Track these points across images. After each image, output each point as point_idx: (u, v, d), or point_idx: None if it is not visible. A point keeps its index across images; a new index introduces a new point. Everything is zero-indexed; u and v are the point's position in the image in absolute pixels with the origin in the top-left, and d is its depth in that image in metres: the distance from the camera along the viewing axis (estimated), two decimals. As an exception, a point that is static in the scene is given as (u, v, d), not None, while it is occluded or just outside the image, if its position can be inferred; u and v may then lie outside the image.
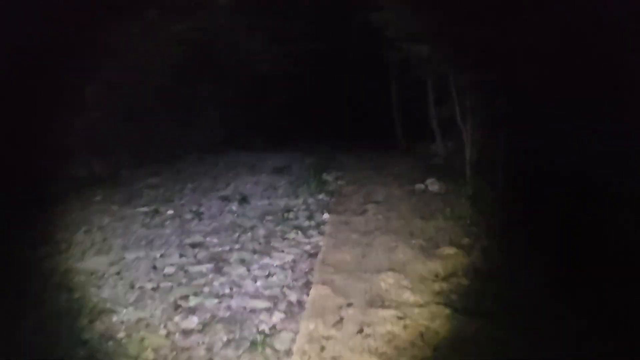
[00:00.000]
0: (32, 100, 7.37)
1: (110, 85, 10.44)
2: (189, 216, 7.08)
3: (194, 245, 5.80)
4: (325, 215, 7.02)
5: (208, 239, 6.07)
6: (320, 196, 8.33)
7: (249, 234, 6.27)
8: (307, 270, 5.09)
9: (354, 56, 13.93)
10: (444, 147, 11.40)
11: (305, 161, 11.81)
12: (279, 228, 6.50)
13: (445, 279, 4.80)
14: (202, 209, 7.47)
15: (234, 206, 7.65)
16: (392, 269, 4.94)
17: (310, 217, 6.94)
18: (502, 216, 6.75)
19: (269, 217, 6.97)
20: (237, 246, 5.81)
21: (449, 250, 5.53)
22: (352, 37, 12.85)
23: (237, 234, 6.23)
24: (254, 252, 5.59)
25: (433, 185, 8.65)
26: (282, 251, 5.65)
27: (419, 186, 8.75)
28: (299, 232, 6.30)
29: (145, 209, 7.46)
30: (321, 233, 6.31)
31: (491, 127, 7.97)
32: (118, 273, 5.01)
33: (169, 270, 5.10)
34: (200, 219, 6.92)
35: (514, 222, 6.48)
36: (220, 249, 5.73)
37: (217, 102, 14.33)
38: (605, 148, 6.72)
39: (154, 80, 11.54)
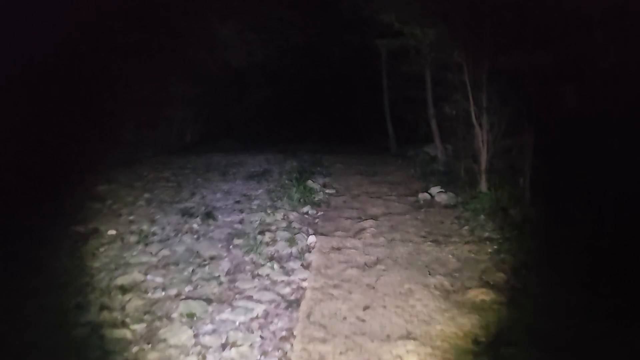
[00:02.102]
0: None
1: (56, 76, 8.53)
2: (134, 239, 5.25)
3: (126, 289, 3.98)
4: (311, 238, 5.27)
5: (150, 276, 4.26)
6: (305, 209, 6.58)
7: (208, 267, 4.48)
8: (284, 333, 3.33)
9: (341, 45, 12.14)
10: (443, 150, 9.74)
11: (287, 165, 10.04)
12: (249, 258, 4.73)
13: (491, 348, 3.09)
14: (153, 228, 5.65)
15: (196, 224, 5.84)
16: (410, 335, 3.21)
17: (291, 241, 5.17)
18: (538, 239, 5.09)
19: (238, 241, 5.19)
20: (187, 289, 4.02)
21: (483, 295, 3.83)
22: (340, 22, 11.07)
23: (191, 269, 4.44)
24: (210, 300, 3.82)
25: (440, 195, 6.96)
26: (251, 297, 3.89)
27: (423, 196, 7.06)
28: (276, 264, 4.54)
29: (80, 228, 5.61)
30: (305, 266, 4.55)
31: (514, 126, 6.32)
32: (-4, 341, 3.20)
33: (78, 332, 3.30)
34: (147, 244, 5.10)
35: (554, 248, 4.82)
36: (162, 294, 3.93)
37: (188, 98, 12.44)
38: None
39: (109, 70, 9.64)
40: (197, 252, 4.88)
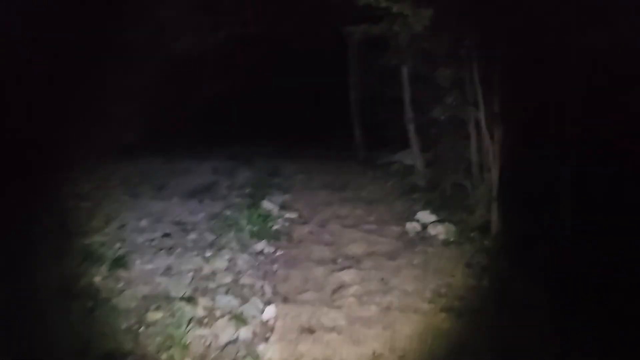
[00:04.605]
0: None
1: None
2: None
3: None
4: (269, 311, 3.37)
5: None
6: (259, 246, 4.69)
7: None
8: None
9: (306, 34, 10.18)
10: (422, 160, 8.02)
11: (239, 176, 8.03)
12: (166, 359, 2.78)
13: None
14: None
15: (99, 276, 3.81)
16: None
17: (238, 318, 3.25)
18: (595, 306, 3.40)
19: (155, 316, 3.20)
20: None
21: None
22: (304, 5, 9.15)
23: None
24: None
25: (435, 227, 5.20)
26: None
27: (413, 227, 5.29)
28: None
29: None
30: (259, 376, 2.67)
31: (534, 132, 4.64)
32: None
33: None
34: None
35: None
36: None
37: (127, 90, 10.15)
38: None
39: (21, 54, 7.32)
40: (87, 341, 2.87)
